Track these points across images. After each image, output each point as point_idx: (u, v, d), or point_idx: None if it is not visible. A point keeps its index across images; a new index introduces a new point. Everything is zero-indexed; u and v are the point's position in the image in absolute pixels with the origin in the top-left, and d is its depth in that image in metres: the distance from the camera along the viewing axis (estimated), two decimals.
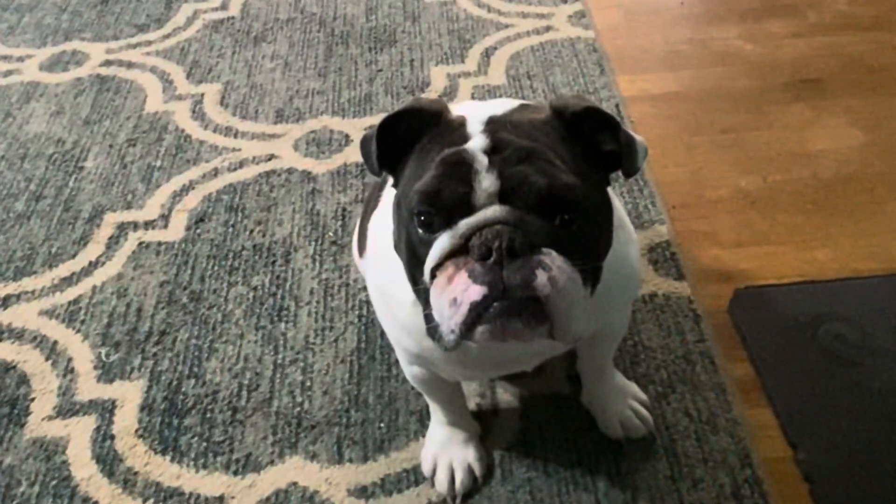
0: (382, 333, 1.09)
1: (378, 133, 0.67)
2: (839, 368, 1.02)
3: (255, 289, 1.18)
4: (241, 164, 1.40)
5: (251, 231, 1.27)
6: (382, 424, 0.99)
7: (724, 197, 1.29)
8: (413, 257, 0.65)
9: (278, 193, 1.34)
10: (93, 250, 1.25)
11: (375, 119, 1.48)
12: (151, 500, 0.93)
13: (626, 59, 1.60)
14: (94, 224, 1.30)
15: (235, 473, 0.95)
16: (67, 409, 1.03)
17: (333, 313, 1.13)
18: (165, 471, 0.96)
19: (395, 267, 0.71)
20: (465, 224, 0.61)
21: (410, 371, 0.86)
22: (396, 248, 0.70)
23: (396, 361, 1.06)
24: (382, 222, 0.78)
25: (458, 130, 0.66)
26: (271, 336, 1.11)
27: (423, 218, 0.63)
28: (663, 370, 1.03)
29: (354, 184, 1.35)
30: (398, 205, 0.68)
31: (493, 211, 0.61)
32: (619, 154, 0.67)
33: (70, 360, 1.09)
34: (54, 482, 0.95)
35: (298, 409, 1.02)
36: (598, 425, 0.97)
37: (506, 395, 1.01)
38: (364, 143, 0.70)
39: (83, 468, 0.96)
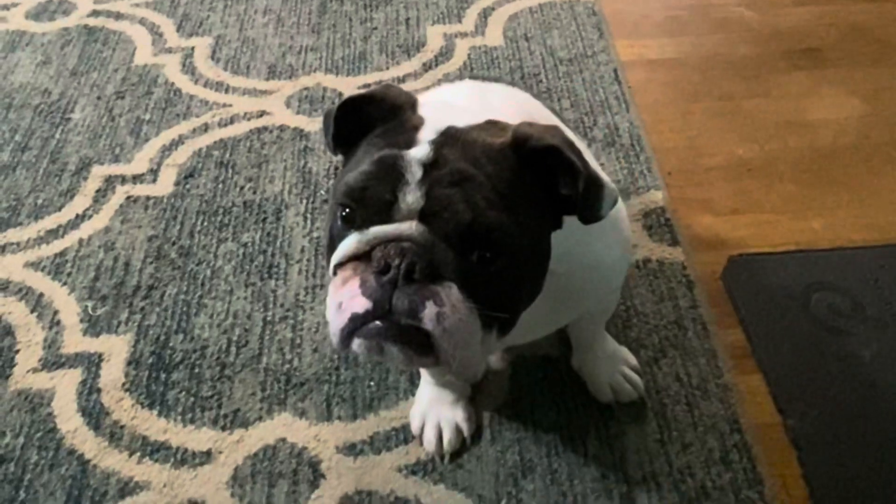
0: None
1: (336, 112, 0.65)
2: (830, 337, 1.02)
3: (244, 245, 1.16)
4: (232, 120, 1.38)
5: (241, 187, 1.25)
6: (372, 383, 0.99)
7: (720, 164, 1.28)
8: (330, 245, 0.63)
9: (269, 150, 1.32)
10: (79, 203, 1.23)
11: (370, 78, 1.46)
12: (138, 454, 0.92)
13: (624, 24, 1.58)
14: (81, 177, 1.27)
15: (223, 429, 0.94)
16: (53, 361, 1.02)
17: (324, 271, 1.12)
18: (152, 425, 0.95)
19: None
20: (375, 231, 0.59)
21: None
22: (323, 227, 0.68)
23: None
24: None
25: (409, 132, 0.62)
26: (261, 293, 1.10)
27: (345, 211, 0.60)
28: (655, 335, 1.02)
29: None
30: (333, 187, 0.67)
31: (408, 227, 0.58)
32: (574, 199, 0.61)
33: (56, 312, 1.08)
34: (39, 434, 0.94)
35: (287, 366, 1.01)
36: (589, 389, 0.96)
37: (496, 358, 1.01)
38: (325, 119, 0.68)
39: (69, 421, 0.95)
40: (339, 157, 1.30)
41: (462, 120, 0.63)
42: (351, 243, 0.60)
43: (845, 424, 0.93)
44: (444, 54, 1.51)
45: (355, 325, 0.58)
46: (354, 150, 0.66)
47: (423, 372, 0.93)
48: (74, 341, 1.04)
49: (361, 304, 0.58)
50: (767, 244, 1.14)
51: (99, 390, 0.98)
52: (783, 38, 1.53)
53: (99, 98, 1.42)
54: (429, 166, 0.59)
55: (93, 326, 1.06)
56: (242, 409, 0.96)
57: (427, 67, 1.48)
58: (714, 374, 0.98)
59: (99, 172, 1.28)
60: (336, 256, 0.61)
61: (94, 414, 0.96)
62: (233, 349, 1.03)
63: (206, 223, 1.20)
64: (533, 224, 0.62)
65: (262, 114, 1.39)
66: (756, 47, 1.51)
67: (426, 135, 0.61)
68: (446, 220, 0.58)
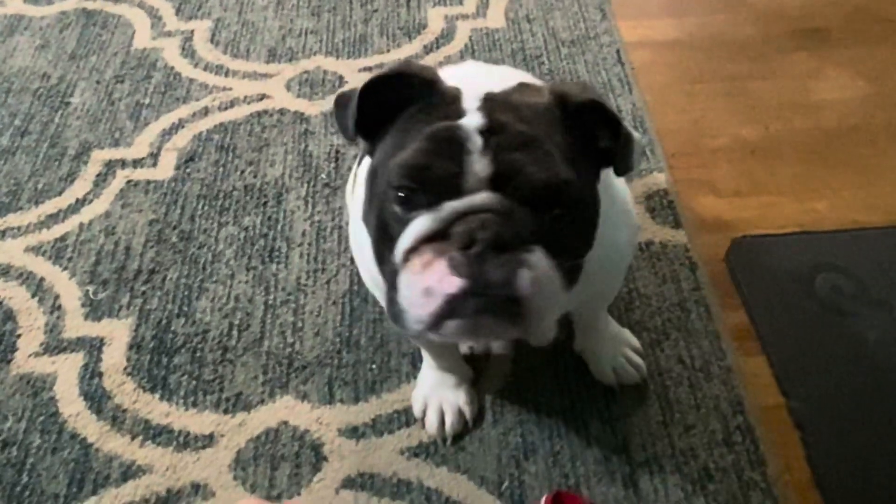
0: None
1: (361, 94, 0.61)
2: (834, 319, 1.01)
3: (246, 229, 1.16)
4: (232, 104, 1.37)
5: (242, 171, 1.25)
6: (374, 366, 0.98)
7: (724, 146, 1.27)
8: (383, 234, 0.60)
9: (270, 134, 1.31)
10: (80, 187, 1.22)
11: (370, 60, 1.45)
12: (140, 437, 0.92)
13: (628, 4, 1.56)
14: (81, 161, 1.27)
15: (225, 412, 0.94)
16: (54, 346, 1.02)
17: (325, 255, 1.12)
18: (154, 408, 0.95)
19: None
20: (450, 207, 0.56)
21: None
22: (365, 219, 0.65)
23: None
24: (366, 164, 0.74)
25: (451, 104, 0.60)
26: (262, 277, 1.09)
27: (402, 194, 0.57)
28: (658, 317, 1.02)
29: None
30: (373, 175, 0.63)
31: (483, 198, 0.56)
32: (614, 151, 0.63)
33: (57, 297, 1.07)
34: (41, 418, 0.94)
35: (289, 349, 1.01)
36: (591, 371, 0.96)
37: (498, 341, 1.01)
38: (340, 104, 0.64)
39: (70, 405, 0.95)
40: (342, 140, 1.29)
41: (493, 87, 0.62)
42: (425, 224, 0.57)
43: (849, 406, 0.93)
44: (446, 36, 1.49)
45: (452, 306, 0.55)
46: (382, 134, 0.63)
47: (425, 355, 0.93)
48: (76, 326, 1.04)
49: (456, 284, 0.55)
50: (771, 226, 1.13)
51: (101, 374, 0.98)
52: (788, 19, 1.51)
53: (98, 82, 1.41)
54: (487, 133, 0.57)
55: (94, 311, 1.05)
56: (244, 393, 0.96)
57: (428, 50, 1.47)
58: (717, 356, 0.97)
59: (99, 157, 1.27)
60: (407, 241, 0.57)
61: (95, 398, 0.96)
62: (234, 333, 1.02)
63: (206, 207, 1.19)
64: (588, 176, 0.63)
65: (262, 97, 1.38)
66: (761, 28, 1.49)
67: (469, 103, 0.60)
68: (520, 183, 0.56)
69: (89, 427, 0.93)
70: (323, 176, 1.23)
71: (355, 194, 0.79)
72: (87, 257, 1.12)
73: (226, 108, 1.36)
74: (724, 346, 0.98)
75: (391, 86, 0.62)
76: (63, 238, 1.15)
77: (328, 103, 1.36)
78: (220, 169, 1.25)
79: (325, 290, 1.07)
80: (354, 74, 1.42)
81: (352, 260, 1.11)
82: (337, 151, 1.27)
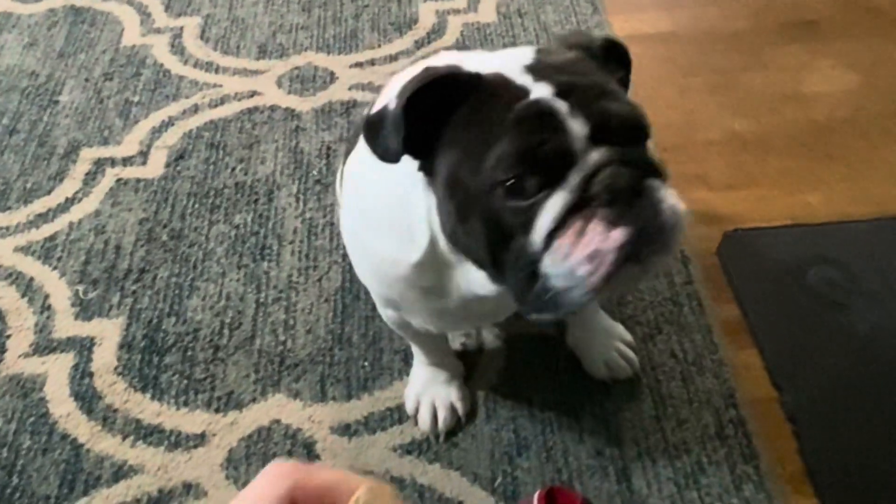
0: None
1: (406, 107, 0.57)
2: (826, 311, 1.01)
3: (237, 227, 1.15)
4: (223, 101, 1.36)
5: (233, 169, 1.24)
6: (366, 363, 0.98)
7: (716, 139, 1.26)
8: (498, 234, 0.58)
9: (261, 131, 1.30)
10: (69, 186, 1.22)
11: (361, 56, 1.44)
12: (131, 437, 0.92)
13: None
14: (70, 160, 1.26)
15: (217, 411, 0.94)
16: (45, 346, 1.01)
17: (317, 252, 1.11)
18: (146, 408, 0.95)
19: (379, 222, 0.67)
20: (577, 174, 0.55)
21: (386, 315, 0.84)
22: (451, 237, 0.62)
23: None
24: (363, 172, 0.72)
25: (507, 87, 0.58)
26: (254, 275, 1.09)
27: (512, 184, 0.56)
28: (650, 311, 1.02)
29: (339, 122, 1.31)
30: (451, 187, 0.60)
31: (598, 154, 0.56)
32: (625, 81, 0.65)
33: (47, 297, 1.07)
34: (32, 419, 0.94)
35: (281, 347, 1.00)
36: (584, 366, 0.96)
37: (490, 336, 1.00)
38: (372, 127, 0.60)
39: (61, 405, 0.95)
40: (333, 137, 1.28)
41: (522, 60, 0.61)
42: (563, 198, 0.56)
43: (841, 398, 0.93)
44: (437, 31, 1.49)
45: (626, 255, 0.55)
46: (435, 145, 0.60)
47: (417, 352, 0.93)
48: (66, 325, 1.03)
49: (621, 234, 0.55)
50: (763, 219, 1.13)
51: (91, 374, 0.98)
52: (779, 11, 1.51)
53: (87, 80, 1.41)
54: (562, 96, 0.57)
55: (84, 310, 1.05)
56: (236, 391, 0.96)
57: (419, 45, 1.46)
58: (709, 349, 0.97)
59: (88, 155, 1.27)
60: (548, 222, 0.56)
61: (86, 398, 0.96)
62: (226, 331, 1.02)
63: (197, 205, 1.18)
64: None
65: (252, 94, 1.37)
66: (752, 20, 1.49)
67: (520, 78, 0.59)
68: (616, 128, 0.57)
69: (80, 427, 0.93)
70: (314, 173, 1.23)
71: (346, 202, 0.78)
72: (76, 257, 1.12)
73: (216, 106, 1.35)
74: (716, 340, 0.98)
75: (429, 94, 0.59)
76: (52, 237, 1.14)
77: (319, 100, 1.35)
78: (211, 166, 1.24)
79: (316, 287, 1.07)
80: (345, 70, 1.41)
81: (343, 256, 1.10)
82: (328, 148, 1.27)
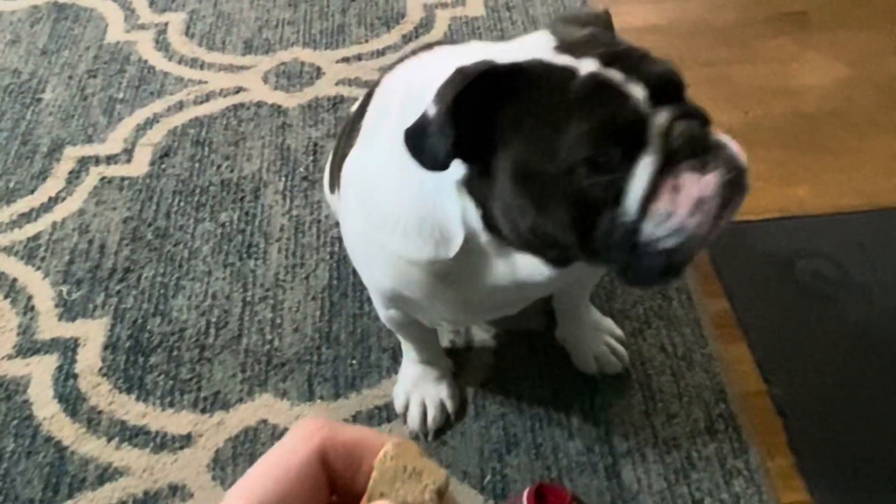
0: (355, 271, 1.07)
1: (453, 110, 0.56)
2: (816, 304, 1.01)
3: (223, 225, 1.14)
4: (208, 98, 1.35)
5: (219, 166, 1.23)
6: (354, 361, 0.97)
7: None
8: (586, 215, 0.58)
9: (247, 128, 1.29)
10: (52, 185, 1.20)
11: (348, 51, 1.43)
12: (116, 439, 0.91)
13: None
14: (54, 158, 1.24)
15: (203, 411, 0.93)
16: (28, 347, 1.00)
17: (304, 250, 1.10)
18: (131, 409, 0.93)
19: (403, 225, 0.66)
20: (655, 137, 0.56)
21: (387, 315, 0.83)
22: (531, 231, 0.61)
23: (369, 298, 1.03)
24: (373, 179, 0.70)
25: (552, 70, 0.58)
26: (240, 273, 1.08)
27: (594, 161, 0.56)
28: (640, 305, 1.01)
29: (326, 118, 1.30)
30: (522, 181, 0.58)
31: (666, 112, 0.57)
32: None
33: (30, 298, 1.06)
34: (15, 421, 0.93)
35: (268, 346, 0.99)
36: (573, 361, 0.95)
37: (479, 333, 1.00)
38: (419, 135, 0.57)
39: (45, 407, 0.94)
40: (321, 133, 1.27)
41: (541, 43, 0.61)
42: (650, 164, 0.56)
43: (830, 391, 0.92)
44: (425, 25, 1.48)
45: (725, 196, 0.56)
46: (489, 144, 0.59)
47: (406, 349, 0.92)
48: (50, 327, 1.02)
49: (715, 177, 0.56)
50: (752, 211, 1.13)
51: (76, 376, 0.97)
52: (768, 3, 1.50)
53: (70, 77, 1.39)
54: (609, 66, 0.57)
55: (68, 311, 1.04)
56: (223, 392, 0.95)
57: (407, 39, 1.45)
58: (699, 343, 0.97)
59: (72, 153, 1.25)
60: (641, 188, 0.56)
61: (71, 400, 0.94)
62: (212, 331, 1.01)
63: (182, 203, 1.17)
64: None
65: (238, 90, 1.36)
66: (741, 12, 1.48)
67: (558, 59, 0.58)
68: (666, 84, 0.58)
69: (64, 430, 0.92)
70: (301, 170, 1.22)
71: (351, 208, 0.76)
72: (60, 257, 1.10)
73: (201, 102, 1.34)
74: (705, 334, 0.98)
75: (469, 94, 0.57)
76: (36, 237, 1.13)
77: (306, 96, 1.34)
78: (196, 164, 1.23)
79: (303, 285, 1.06)
80: (332, 66, 1.40)
81: (331, 254, 1.09)
82: (315, 144, 1.26)
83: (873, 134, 1.24)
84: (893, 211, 1.12)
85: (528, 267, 0.65)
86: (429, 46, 0.82)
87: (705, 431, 0.89)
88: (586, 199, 0.57)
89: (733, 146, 0.59)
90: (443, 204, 0.65)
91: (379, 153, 0.70)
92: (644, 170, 0.56)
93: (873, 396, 0.92)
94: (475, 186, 0.62)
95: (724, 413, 0.90)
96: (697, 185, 0.56)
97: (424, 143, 0.57)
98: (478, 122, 0.58)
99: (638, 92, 0.56)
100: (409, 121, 0.59)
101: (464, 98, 0.56)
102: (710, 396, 0.92)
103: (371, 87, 0.85)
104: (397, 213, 0.68)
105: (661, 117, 0.57)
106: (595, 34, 0.62)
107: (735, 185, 0.57)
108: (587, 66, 0.57)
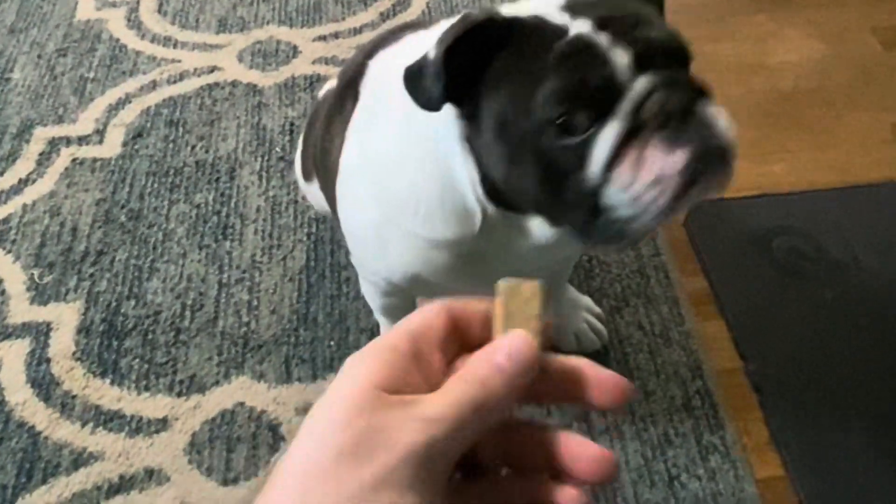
0: (332, 252, 1.06)
1: (446, 54, 0.56)
2: (792, 280, 1.01)
3: (197, 206, 1.12)
4: (182, 77, 1.32)
5: (193, 147, 1.21)
6: (332, 342, 0.97)
7: None
8: (553, 175, 0.57)
9: (222, 107, 1.27)
10: (22, 167, 1.18)
11: (324, 29, 1.41)
12: (91, 424, 0.90)
13: None
14: (23, 139, 1.22)
15: (179, 395, 0.92)
16: None
17: (281, 231, 1.09)
18: (105, 394, 0.92)
19: (426, 206, 0.65)
20: (627, 102, 0.54)
21: (382, 303, 0.82)
22: (504, 183, 0.61)
23: (347, 279, 1.03)
24: (380, 152, 0.69)
25: (546, 27, 0.57)
26: (216, 255, 1.06)
27: (563, 122, 0.55)
28: (618, 284, 1.01)
29: (303, 97, 1.28)
30: (499, 132, 0.59)
31: (645, 80, 0.54)
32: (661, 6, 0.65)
33: (0, 281, 1.04)
34: None
35: (245, 328, 0.98)
36: (553, 338, 0.95)
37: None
38: (416, 75, 0.59)
39: (17, 392, 0.92)
40: (297, 112, 1.25)
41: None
42: (616, 128, 0.54)
43: (806, 367, 0.93)
44: (402, 3, 1.46)
45: (691, 174, 0.54)
46: (475, 92, 0.59)
47: (384, 330, 0.91)
48: (21, 311, 1.00)
49: (684, 154, 0.54)
50: (730, 189, 1.12)
51: (48, 360, 0.95)
52: None
53: (40, 56, 1.36)
54: (601, 28, 0.55)
55: (40, 295, 1.02)
56: (199, 375, 0.94)
57: (385, 17, 1.43)
58: (676, 321, 0.97)
59: (42, 134, 1.23)
60: (604, 153, 0.55)
61: (43, 385, 0.93)
62: (187, 314, 1.00)
63: (156, 184, 1.15)
64: None
65: (212, 69, 1.34)
66: None
67: (557, 17, 0.57)
68: (657, 51, 0.56)
69: (37, 415, 0.90)
70: (278, 149, 1.20)
71: (359, 196, 0.74)
72: (31, 239, 1.08)
73: (175, 82, 1.31)
74: (683, 312, 0.98)
75: (467, 42, 0.57)
76: (6, 220, 1.11)
77: (282, 75, 1.32)
78: (170, 145, 1.21)
79: (280, 266, 1.05)
80: (308, 44, 1.38)
81: (308, 235, 1.08)
82: (291, 124, 1.24)
83: (850, 111, 1.25)
84: (869, 187, 1.12)
85: (534, 229, 0.65)
86: (408, 27, 0.81)
87: (682, 408, 0.90)
88: (553, 160, 0.57)
89: (721, 123, 0.56)
90: (456, 176, 0.64)
91: (384, 140, 0.69)
92: (608, 135, 0.55)
93: (848, 372, 0.93)
94: (472, 141, 0.62)
95: (701, 390, 0.91)
96: (660, 161, 0.54)
97: (421, 83, 0.58)
98: (473, 69, 0.58)
99: (621, 57, 0.55)
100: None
101: (461, 44, 0.57)
102: (687, 373, 0.92)
103: (348, 73, 0.82)
104: (417, 195, 0.67)
105: (639, 84, 0.55)
106: None
107: (712, 163, 0.55)
108: (579, 26, 0.56)
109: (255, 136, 1.22)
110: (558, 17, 0.58)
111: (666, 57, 0.56)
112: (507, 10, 0.60)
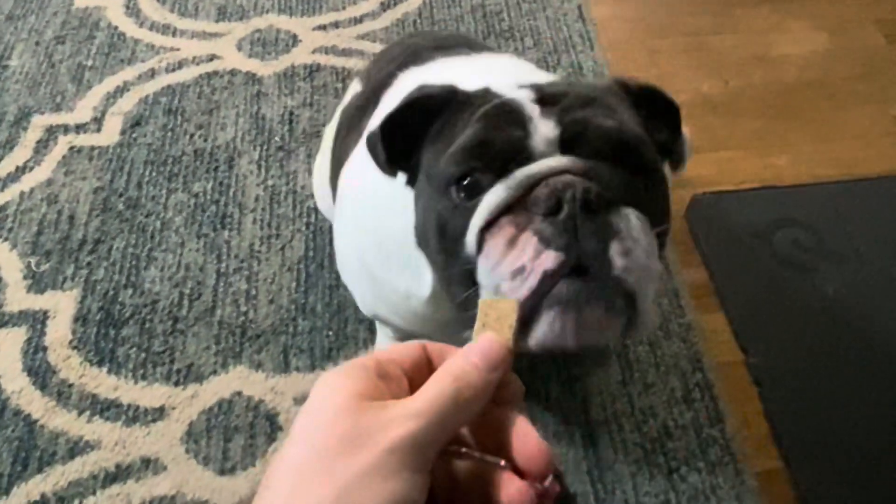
0: (331, 241, 1.05)
1: (382, 132, 0.56)
2: (793, 273, 1.01)
3: (196, 195, 1.12)
4: (180, 65, 1.31)
5: (191, 135, 1.20)
6: (330, 332, 0.96)
7: (684, 102, 1.23)
8: (442, 235, 0.52)
9: (220, 96, 1.26)
10: (20, 155, 1.17)
11: (325, 18, 1.40)
12: (88, 412, 0.89)
13: None
14: (21, 127, 1.21)
15: (177, 384, 0.92)
16: None
17: (280, 220, 1.08)
18: (102, 382, 0.92)
19: (396, 256, 0.64)
20: (525, 172, 0.48)
21: (371, 315, 0.83)
22: (420, 242, 0.58)
23: None
24: (367, 199, 0.68)
25: (486, 94, 0.55)
26: (214, 244, 1.06)
27: (465, 181, 0.50)
28: None
29: (302, 87, 1.28)
30: (420, 189, 0.57)
31: (557, 160, 0.49)
32: (669, 145, 0.57)
33: None
34: None
35: (243, 318, 0.98)
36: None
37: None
38: (371, 141, 0.58)
39: (14, 381, 0.92)
40: (296, 102, 1.24)
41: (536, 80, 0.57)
42: (498, 193, 0.49)
43: (806, 360, 0.93)
44: None
45: (546, 287, 0.46)
46: (416, 159, 0.58)
47: (379, 325, 0.91)
48: (18, 299, 1.00)
49: (552, 259, 0.46)
50: (731, 182, 1.12)
51: (45, 349, 0.95)
52: None
53: (37, 44, 1.35)
54: (542, 102, 0.52)
55: (37, 283, 1.01)
56: (196, 364, 0.93)
57: (385, 7, 1.42)
58: (676, 313, 0.97)
59: (39, 122, 1.22)
60: (481, 217, 0.49)
61: (40, 373, 0.93)
62: (185, 303, 0.99)
63: (154, 173, 1.15)
64: (656, 153, 0.55)
65: (211, 58, 1.33)
66: None
67: (505, 89, 0.54)
68: (592, 137, 0.50)
69: (34, 403, 0.90)
70: (276, 139, 1.19)
71: (347, 229, 0.74)
72: (28, 227, 1.08)
73: (173, 70, 1.30)
74: (683, 304, 0.98)
75: (410, 114, 0.56)
76: (3, 208, 1.10)
77: (281, 64, 1.31)
78: (169, 133, 1.20)
79: (279, 256, 1.04)
80: (308, 33, 1.37)
81: (307, 224, 1.08)
82: (291, 113, 1.23)
83: (852, 104, 1.24)
84: (872, 180, 1.12)
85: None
86: (439, 49, 0.80)
87: (682, 401, 0.89)
88: (447, 219, 0.52)
89: (627, 247, 0.47)
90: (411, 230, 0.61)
91: (374, 169, 0.69)
92: (489, 199, 0.49)
93: (849, 366, 0.92)
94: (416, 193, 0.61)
95: (701, 382, 0.91)
96: (528, 251, 0.47)
97: (374, 150, 0.58)
98: (417, 133, 0.58)
99: (545, 128, 0.50)
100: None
101: (403, 116, 0.57)
102: (687, 366, 0.92)
103: (376, 81, 0.81)
104: (381, 235, 0.66)
105: (551, 161, 0.49)
106: (593, 85, 0.57)
107: (593, 294, 0.47)
108: (519, 94, 0.53)
109: (254, 126, 1.21)
110: (507, 89, 0.55)
111: (605, 147, 0.50)
112: (484, 80, 0.58)
